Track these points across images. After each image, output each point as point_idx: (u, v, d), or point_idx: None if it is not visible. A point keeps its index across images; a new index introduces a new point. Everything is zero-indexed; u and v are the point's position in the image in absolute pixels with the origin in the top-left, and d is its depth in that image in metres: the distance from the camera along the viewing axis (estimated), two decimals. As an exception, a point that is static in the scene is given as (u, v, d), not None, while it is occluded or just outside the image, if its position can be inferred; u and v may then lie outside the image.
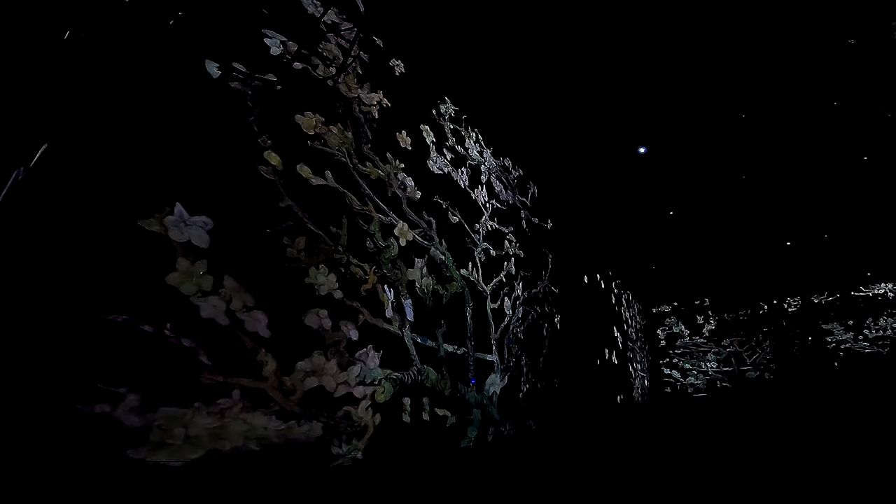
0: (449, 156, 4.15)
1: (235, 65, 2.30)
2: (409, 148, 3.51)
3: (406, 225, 3.27)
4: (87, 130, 1.68)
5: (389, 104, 3.48)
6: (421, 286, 3.17)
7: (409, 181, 3.48)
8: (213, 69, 2.18)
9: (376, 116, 3.30)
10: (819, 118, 5.78)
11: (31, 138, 1.65)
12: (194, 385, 1.75)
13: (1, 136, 1.63)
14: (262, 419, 1.95)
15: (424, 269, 3.20)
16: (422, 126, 3.88)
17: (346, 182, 2.85)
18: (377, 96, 3.36)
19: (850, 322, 11.36)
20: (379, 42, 3.61)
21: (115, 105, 1.77)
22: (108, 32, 1.86)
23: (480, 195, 4.53)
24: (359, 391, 2.50)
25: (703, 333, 13.22)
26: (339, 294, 2.49)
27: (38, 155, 1.61)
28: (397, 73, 3.68)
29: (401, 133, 3.42)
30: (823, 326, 11.63)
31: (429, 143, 3.91)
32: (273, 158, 2.36)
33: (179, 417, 1.68)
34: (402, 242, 3.17)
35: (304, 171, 2.54)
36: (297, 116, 2.63)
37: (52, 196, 1.57)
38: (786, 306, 12.33)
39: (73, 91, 1.73)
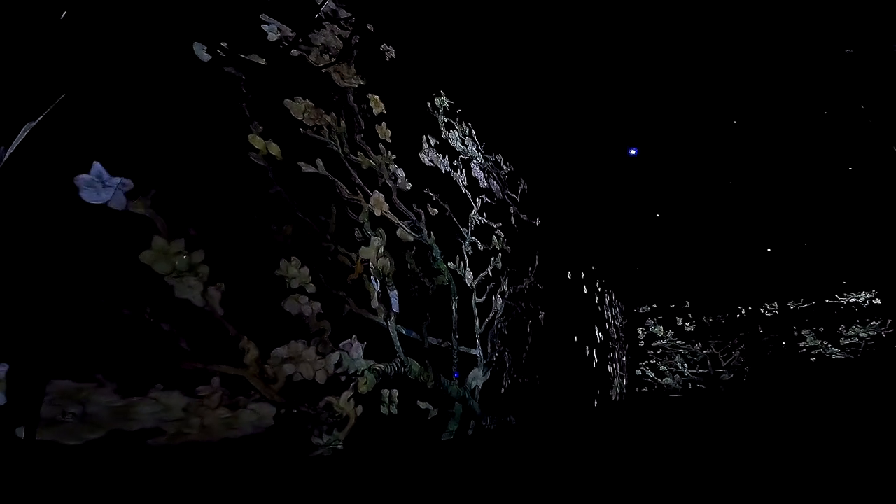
0: (441, 149, 4.12)
1: (222, 44, 2.24)
2: (389, 140, 3.40)
3: (382, 196, 3.21)
4: (71, 111, 1.62)
5: (383, 98, 3.43)
6: (376, 266, 2.95)
7: (401, 172, 3.45)
8: (201, 52, 2.12)
9: (372, 109, 3.27)
10: (805, 128, 5.88)
11: (12, 118, 1.59)
12: (173, 371, 1.71)
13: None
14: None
15: (382, 250, 3.02)
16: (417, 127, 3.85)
17: (338, 171, 2.82)
18: (375, 99, 3.32)
19: (822, 329, 11.66)
20: (371, 27, 3.55)
21: (103, 88, 1.72)
22: (98, 16, 1.80)
23: (470, 190, 4.51)
24: (341, 381, 2.48)
25: (682, 335, 13.43)
26: (311, 288, 2.41)
27: (21, 135, 1.56)
28: (387, 59, 3.61)
29: (381, 125, 3.32)
30: (798, 332, 11.91)
31: (421, 135, 3.88)
32: (258, 142, 2.32)
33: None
34: (377, 213, 3.11)
35: (273, 148, 2.45)
36: (287, 101, 2.58)
37: (31, 176, 1.52)
38: (763, 311, 12.59)
39: (58, 73, 1.67)
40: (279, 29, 2.62)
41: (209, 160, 2.04)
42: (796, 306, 12.14)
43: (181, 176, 1.89)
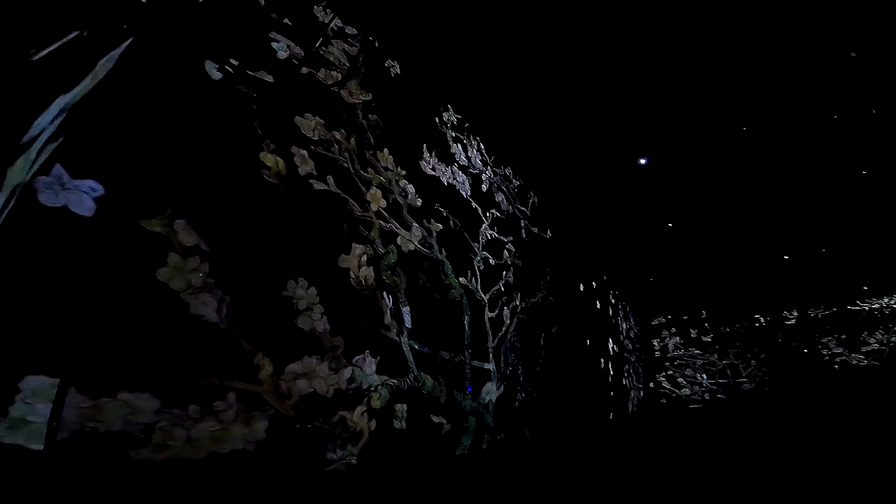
0: (450, 164, 4.17)
1: (234, 62, 2.32)
2: (390, 168, 3.40)
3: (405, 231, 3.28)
4: (90, 129, 1.69)
5: (391, 114, 3.50)
6: (357, 277, 2.79)
7: (411, 188, 3.50)
8: (213, 70, 2.19)
9: (380, 123, 3.33)
10: (818, 131, 5.83)
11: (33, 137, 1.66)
12: (190, 387, 1.75)
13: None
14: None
15: (364, 259, 2.89)
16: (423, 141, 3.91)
17: (348, 188, 2.87)
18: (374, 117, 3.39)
19: (844, 336, 11.40)
20: (377, 43, 3.63)
21: (121, 106, 1.79)
22: (114, 33, 1.88)
23: (480, 204, 4.54)
24: (354, 396, 2.50)
25: (699, 346, 13.22)
26: (320, 308, 2.41)
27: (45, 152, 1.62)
28: (392, 75, 3.66)
29: (382, 151, 3.33)
30: (820, 340, 11.66)
31: (429, 150, 3.93)
32: (269, 159, 2.37)
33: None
34: (374, 207, 3.15)
35: (269, 159, 2.53)
36: (297, 118, 2.64)
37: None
38: (782, 320, 12.36)
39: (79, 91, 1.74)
40: (288, 47, 2.69)
41: (222, 178, 2.10)
42: (817, 314, 11.90)
43: (196, 194, 1.95)
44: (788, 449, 3.89)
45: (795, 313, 12.14)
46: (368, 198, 3.01)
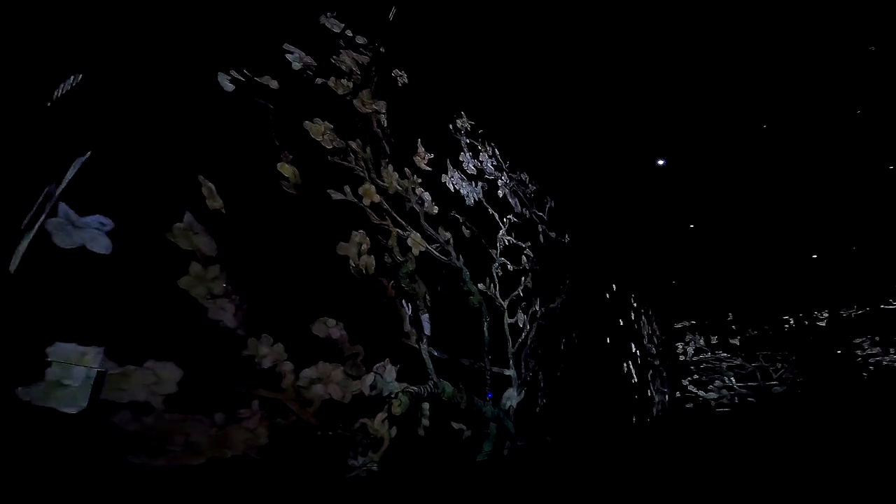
0: (465, 171, 4.19)
1: (242, 72, 2.38)
2: (428, 168, 3.52)
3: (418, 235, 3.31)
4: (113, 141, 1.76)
5: (406, 122, 3.54)
6: (357, 265, 2.72)
7: (427, 196, 3.53)
8: (225, 82, 2.26)
9: (390, 132, 3.38)
10: (844, 126, 5.69)
11: (56, 154, 1.73)
12: (217, 395, 1.79)
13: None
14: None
15: (364, 247, 2.81)
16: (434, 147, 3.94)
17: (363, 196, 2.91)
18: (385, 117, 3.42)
19: (878, 337, 11.02)
20: (388, 51, 3.68)
21: (139, 117, 1.85)
22: (133, 46, 1.96)
23: (497, 210, 4.55)
24: (375, 404, 2.52)
25: (726, 348, 12.93)
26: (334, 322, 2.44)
27: (71, 171, 1.69)
28: (399, 84, 3.68)
29: (418, 153, 3.41)
30: (853, 340, 11.29)
31: (446, 158, 3.96)
32: (286, 170, 2.43)
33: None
34: (367, 202, 3.18)
35: (286, 170, 2.57)
36: (306, 123, 2.69)
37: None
38: (813, 321, 12.01)
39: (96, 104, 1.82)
40: (301, 58, 2.76)
41: (242, 188, 2.15)
42: (849, 313, 11.54)
43: (216, 206, 2.01)
44: (821, 453, 3.78)
45: (826, 314, 11.79)
46: (361, 192, 2.92)
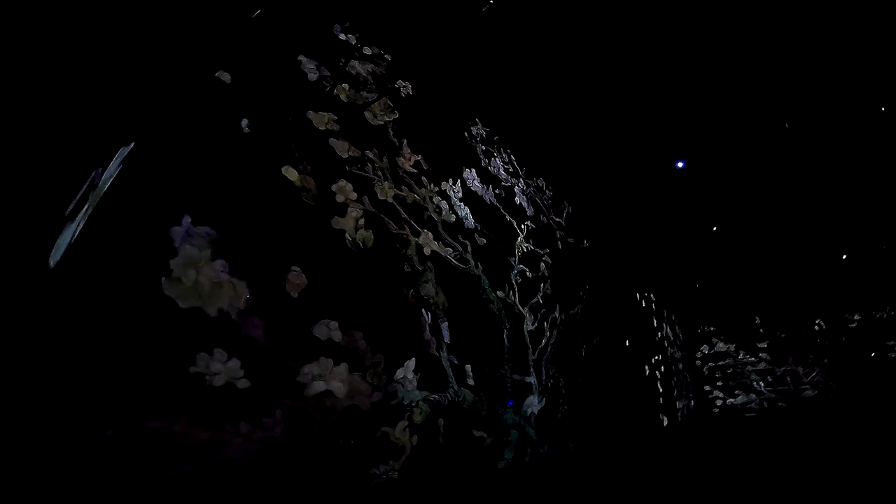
0: (483, 178, 4.22)
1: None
2: (413, 170, 3.37)
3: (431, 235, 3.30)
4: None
5: (420, 131, 3.58)
6: (354, 238, 2.66)
7: (444, 204, 3.55)
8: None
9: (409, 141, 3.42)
10: (873, 122, 5.54)
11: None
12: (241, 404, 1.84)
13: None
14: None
15: (362, 221, 2.75)
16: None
17: (383, 206, 2.95)
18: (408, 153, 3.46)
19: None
20: (401, 60, 3.73)
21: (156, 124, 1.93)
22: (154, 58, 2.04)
23: (515, 217, 4.55)
24: (396, 412, 2.55)
25: (754, 351, 12.61)
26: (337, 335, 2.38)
27: (117, 159, 1.74)
28: (412, 93, 3.63)
29: (402, 154, 3.30)
30: (887, 342, 10.91)
31: (463, 166, 3.99)
32: (309, 182, 2.47)
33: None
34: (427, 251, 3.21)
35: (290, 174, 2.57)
36: (331, 140, 2.74)
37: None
38: (845, 323, 11.63)
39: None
40: (317, 68, 2.82)
41: (263, 200, 2.21)
42: (882, 315, 11.15)
43: (238, 218, 2.07)
44: (853, 458, 3.67)
45: (858, 316, 11.41)
46: (335, 189, 2.74)
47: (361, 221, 2.74)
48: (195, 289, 1.81)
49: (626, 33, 4.07)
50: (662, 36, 4.13)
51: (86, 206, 1.65)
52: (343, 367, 2.29)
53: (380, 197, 2.94)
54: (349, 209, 2.71)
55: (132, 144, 1.80)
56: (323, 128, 2.77)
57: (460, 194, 3.79)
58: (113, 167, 1.77)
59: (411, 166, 3.42)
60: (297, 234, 2.34)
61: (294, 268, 2.21)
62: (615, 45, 4.19)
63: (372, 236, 2.79)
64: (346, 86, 3.01)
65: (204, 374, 1.75)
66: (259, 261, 2.09)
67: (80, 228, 1.60)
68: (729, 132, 5.58)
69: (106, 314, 1.57)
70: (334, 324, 2.34)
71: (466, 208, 3.71)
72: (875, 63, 4.55)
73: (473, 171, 4.10)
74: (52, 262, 1.53)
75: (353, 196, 2.81)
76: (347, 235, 2.64)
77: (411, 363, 2.72)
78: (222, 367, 1.84)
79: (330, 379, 2.21)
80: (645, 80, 4.62)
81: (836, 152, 6.06)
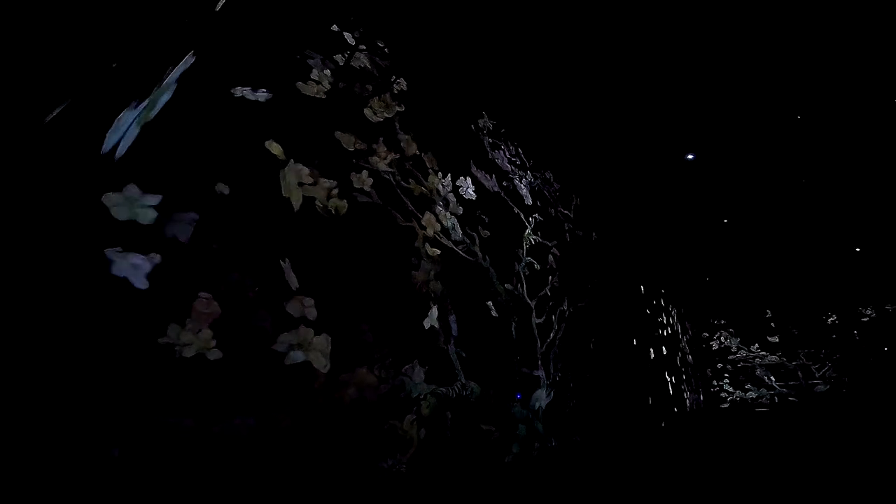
0: (490, 170, 4.18)
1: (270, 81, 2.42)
2: (390, 169, 3.47)
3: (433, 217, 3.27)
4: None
5: (428, 124, 3.56)
6: (326, 205, 2.54)
7: (452, 197, 3.53)
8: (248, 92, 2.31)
9: (417, 134, 3.39)
10: (885, 115, 5.44)
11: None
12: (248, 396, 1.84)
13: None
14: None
15: (335, 192, 2.60)
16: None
17: (391, 199, 2.94)
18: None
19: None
20: (405, 54, 3.70)
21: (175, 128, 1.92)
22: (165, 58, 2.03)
23: (523, 210, 4.52)
24: (404, 405, 2.54)
25: (765, 346, 12.51)
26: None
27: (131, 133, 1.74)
28: (396, 91, 3.46)
29: (377, 154, 3.34)
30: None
31: (469, 159, 3.96)
32: (274, 148, 2.35)
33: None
34: (430, 233, 3.19)
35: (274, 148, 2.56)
36: (337, 133, 2.72)
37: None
38: (858, 317, 11.50)
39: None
40: (323, 63, 2.79)
41: (274, 195, 2.20)
42: (895, 309, 11.00)
43: (248, 217, 2.06)
44: (866, 453, 3.62)
45: (871, 310, 11.26)
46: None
47: (335, 192, 2.62)
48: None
49: (635, 25, 4.01)
50: (673, 27, 4.06)
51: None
52: (323, 337, 2.25)
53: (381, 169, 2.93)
54: (321, 181, 2.55)
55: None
56: (351, 149, 2.75)
57: (470, 190, 3.77)
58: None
59: (417, 158, 3.39)
60: (296, 234, 2.33)
61: (202, 294, 1.82)
62: (625, 36, 4.12)
63: (346, 205, 2.66)
64: (356, 83, 2.99)
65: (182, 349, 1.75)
66: (260, 261, 2.08)
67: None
68: (740, 123, 5.49)
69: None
70: (309, 300, 2.23)
71: (460, 207, 3.67)
72: (891, 54, 4.45)
73: (482, 171, 4.07)
74: (118, 154, 1.51)
75: (310, 181, 2.54)
76: (318, 202, 2.50)
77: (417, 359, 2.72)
78: (193, 339, 1.74)
79: (309, 349, 2.17)
80: (655, 72, 4.56)
81: (850, 144, 5.96)
